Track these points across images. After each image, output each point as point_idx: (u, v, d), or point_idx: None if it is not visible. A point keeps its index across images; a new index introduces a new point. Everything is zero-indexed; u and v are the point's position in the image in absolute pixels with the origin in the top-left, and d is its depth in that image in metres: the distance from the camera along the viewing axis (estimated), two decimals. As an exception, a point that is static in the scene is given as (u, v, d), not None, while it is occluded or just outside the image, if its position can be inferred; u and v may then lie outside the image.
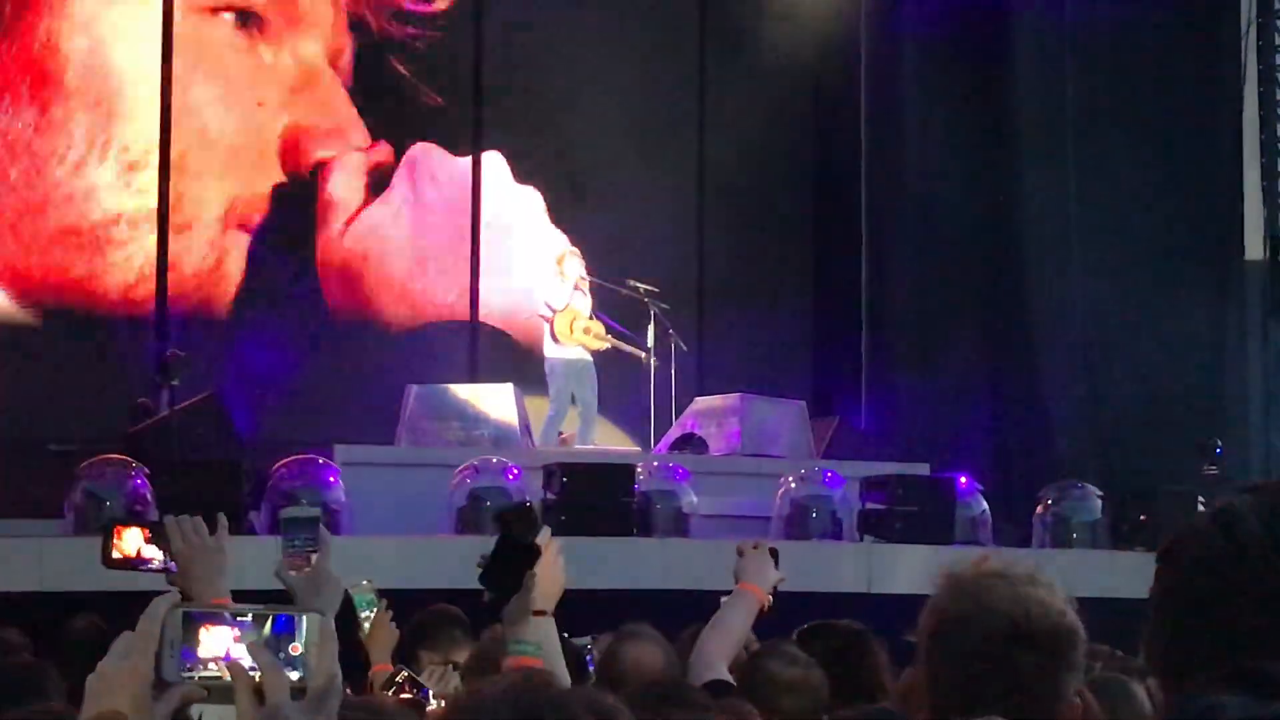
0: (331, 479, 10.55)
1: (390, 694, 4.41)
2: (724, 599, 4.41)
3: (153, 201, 14.29)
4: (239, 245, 14.69)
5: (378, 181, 15.15)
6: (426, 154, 15.34)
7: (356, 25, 15.26)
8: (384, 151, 15.18)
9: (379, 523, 10.34)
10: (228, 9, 14.72)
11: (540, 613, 3.12)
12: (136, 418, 11.94)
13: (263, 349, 14.20)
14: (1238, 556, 1.37)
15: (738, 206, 15.80)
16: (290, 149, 14.90)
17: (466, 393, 12.32)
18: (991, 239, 15.14)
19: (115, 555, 3.16)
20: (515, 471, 10.76)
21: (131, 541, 3.15)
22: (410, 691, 4.40)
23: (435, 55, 15.44)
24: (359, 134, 15.16)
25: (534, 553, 3.17)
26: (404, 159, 15.26)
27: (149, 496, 9.99)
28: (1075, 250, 15.06)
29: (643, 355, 12.86)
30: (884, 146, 15.58)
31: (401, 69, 15.33)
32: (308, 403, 14.13)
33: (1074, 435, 14.72)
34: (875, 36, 15.56)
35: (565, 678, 3.06)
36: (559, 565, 3.15)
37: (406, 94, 15.30)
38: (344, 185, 15.06)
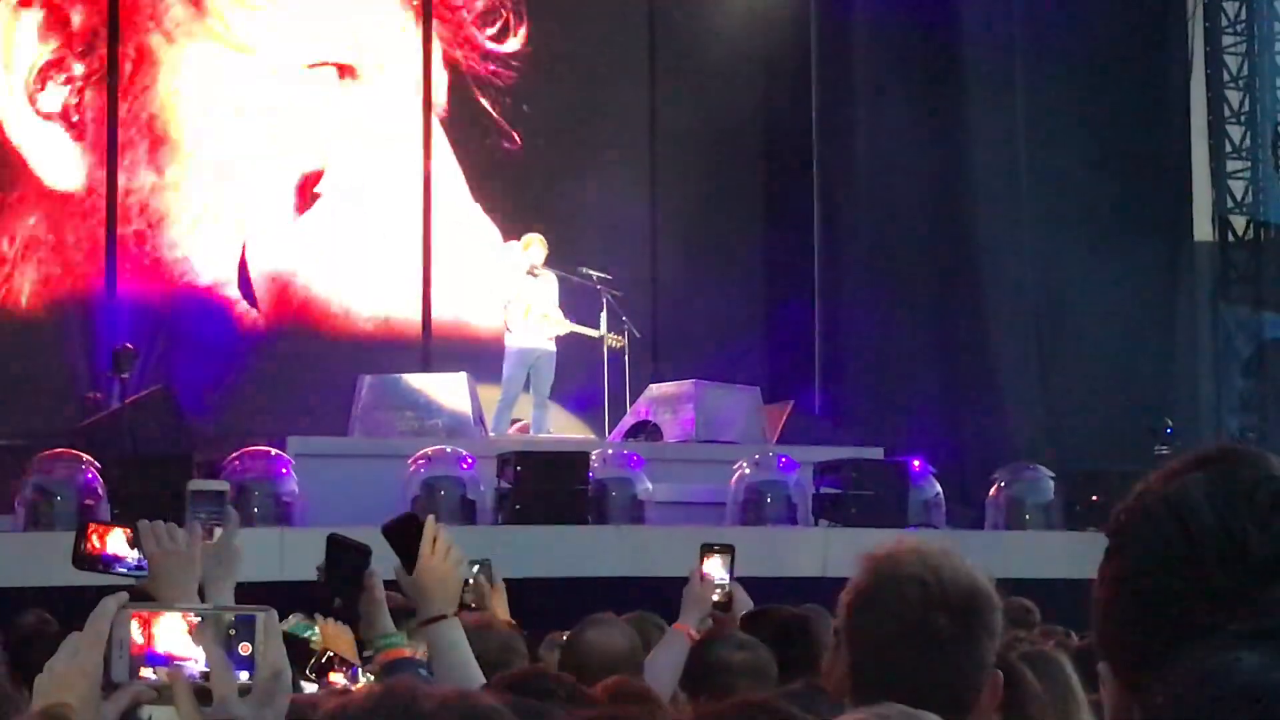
0: (284, 470, 10.51)
1: (317, 676, 4.39)
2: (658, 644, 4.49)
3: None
4: (196, 233, 14.60)
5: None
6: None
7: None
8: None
9: (333, 514, 10.27)
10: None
11: (439, 617, 3.02)
12: (86, 411, 11.87)
13: (213, 340, 14.12)
14: (1192, 551, 1.34)
15: (689, 192, 15.79)
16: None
17: (419, 382, 12.28)
18: (943, 223, 15.20)
19: (87, 554, 3.12)
20: (469, 461, 10.74)
21: (107, 541, 3.12)
22: (340, 670, 4.38)
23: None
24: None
25: (365, 552, 3.14)
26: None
27: (100, 491, 9.92)
28: (1026, 233, 15.14)
29: (599, 335, 12.82)
30: (834, 130, 15.61)
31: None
32: (260, 394, 14.06)
33: (1026, 417, 14.80)
34: (825, 11, 15.58)
35: (477, 678, 2.99)
36: (450, 560, 3.06)
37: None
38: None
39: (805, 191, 15.79)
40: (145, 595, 3.03)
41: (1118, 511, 1.42)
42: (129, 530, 3.14)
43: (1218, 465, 1.39)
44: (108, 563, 3.12)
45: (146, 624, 1.97)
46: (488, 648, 3.70)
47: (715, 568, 4.67)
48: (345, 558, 3.20)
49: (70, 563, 3.13)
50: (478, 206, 15.41)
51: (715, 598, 4.61)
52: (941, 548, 2.33)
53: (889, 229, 15.12)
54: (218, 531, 3.21)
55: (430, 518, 3.11)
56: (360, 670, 4.32)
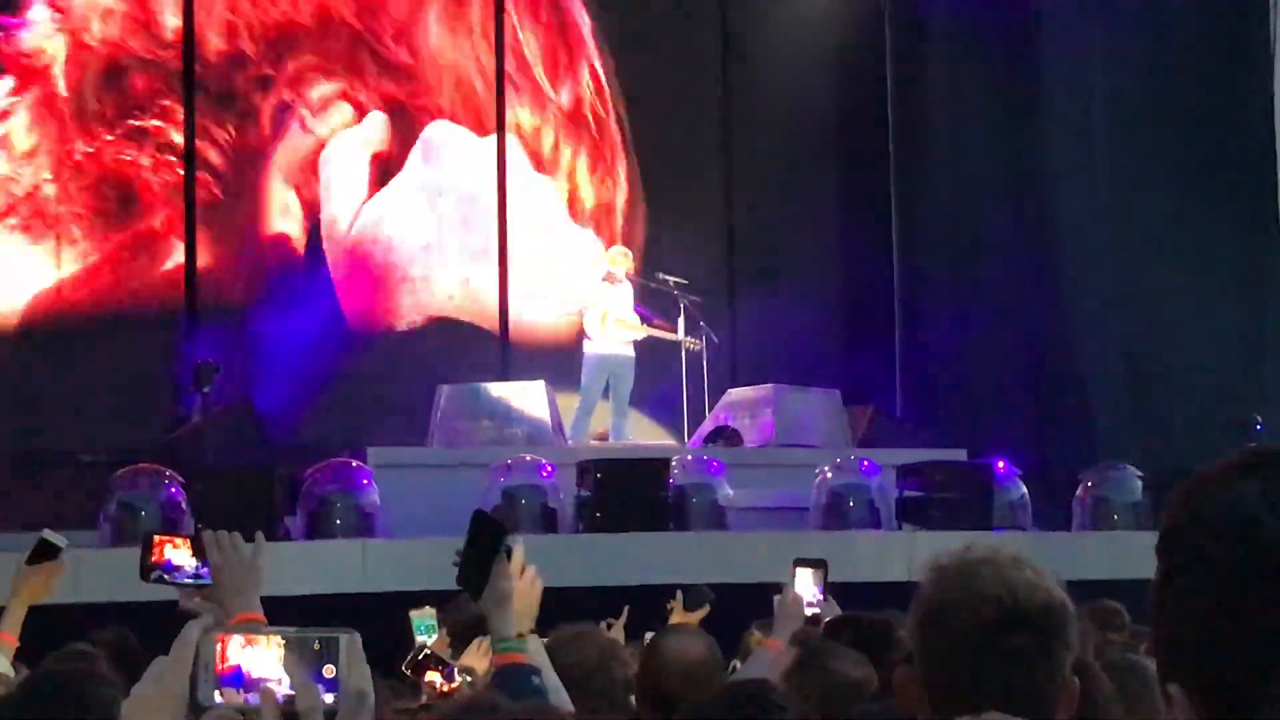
0: (365, 482, 10.57)
1: (413, 672, 4.41)
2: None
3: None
4: (267, 249, 14.72)
5: (384, 167, 15.13)
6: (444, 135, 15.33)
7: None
8: (387, 129, 15.10)
9: (414, 525, 10.34)
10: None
11: (518, 636, 3.06)
12: (169, 427, 11.98)
13: (293, 353, 14.22)
14: (1263, 569, 1.29)
15: (764, 193, 15.75)
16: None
17: (498, 391, 12.31)
18: (1023, 218, 15.06)
19: (150, 565, 3.16)
20: (549, 469, 10.75)
21: (168, 552, 3.16)
22: (436, 668, 4.40)
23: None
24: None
25: (502, 531, 3.15)
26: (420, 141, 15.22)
27: (183, 505, 10.01)
28: (1108, 228, 14.98)
29: (680, 338, 12.81)
30: (910, 126, 15.52)
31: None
32: (339, 406, 14.15)
33: (1112, 415, 14.64)
34: (900, 12, 15.49)
35: (561, 696, 3.01)
36: (525, 579, 3.09)
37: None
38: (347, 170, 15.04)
39: (882, 190, 15.71)
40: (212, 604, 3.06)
41: (1168, 526, 1.36)
42: (192, 541, 3.16)
43: (1268, 470, 1.34)
44: (169, 571, 3.15)
45: (231, 647, 1.98)
46: (585, 656, 3.69)
47: (807, 583, 4.63)
48: (482, 534, 3.17)
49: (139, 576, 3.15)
50: (561, 211, 15.43)
51: (808, 614, 4.57)
52: (1014, 556, 2.26)
53: (967, 226, 15.01)
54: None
55: (519, 544, 3.14)
56: (456, 669, 4.34)
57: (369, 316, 15.02)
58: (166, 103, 14.41)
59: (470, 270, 15.20)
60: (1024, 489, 11.67)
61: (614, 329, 12.72)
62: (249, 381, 13.52)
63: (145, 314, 14.23)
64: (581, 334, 12.95)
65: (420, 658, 4.43)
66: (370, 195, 15.06)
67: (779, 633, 4.52)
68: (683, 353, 12.90)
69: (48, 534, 3.54)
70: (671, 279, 13.02)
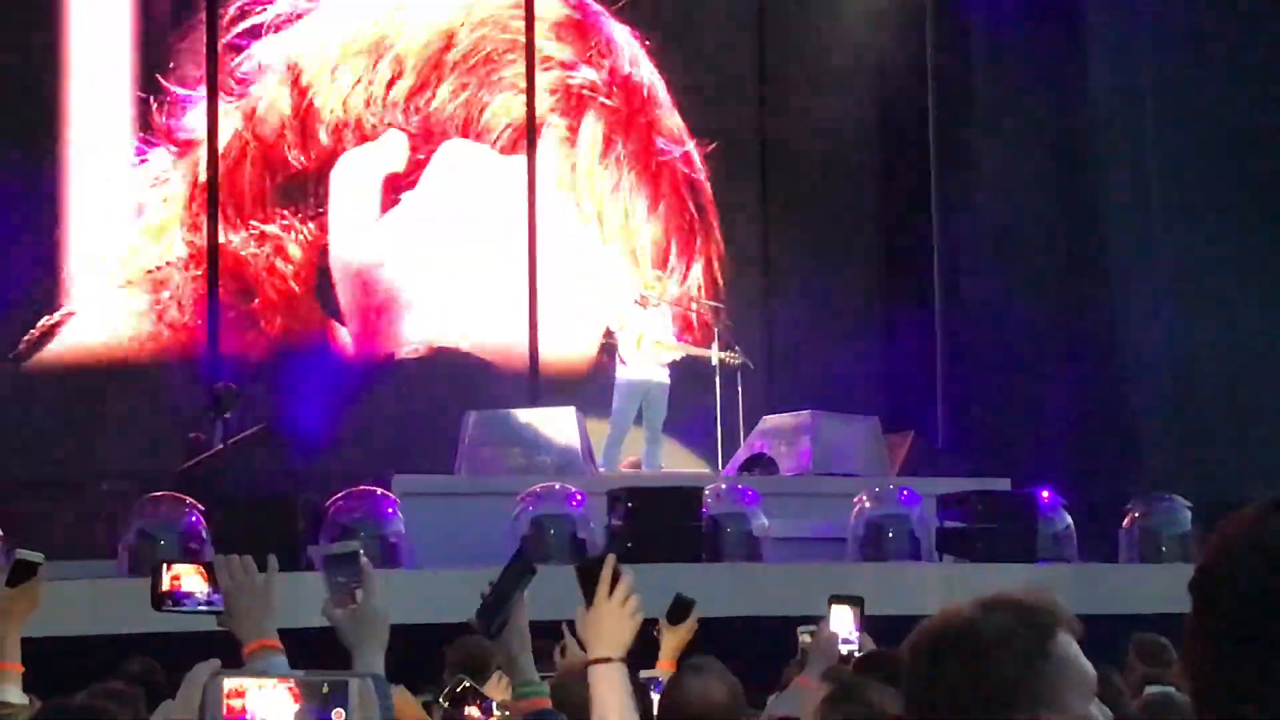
0: (390, 510, 10.58)
1: (451, 705, 4.40)
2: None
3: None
4: (282, 275, 14.79)
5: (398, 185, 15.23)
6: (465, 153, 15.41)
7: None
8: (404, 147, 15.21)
9: (440, 555, 10.35)
10: None
11: (603, 660, 3.04)
12: (189, 453, 12.02)
13: (316, 378, 14.27)
14: None
15: (803, 214, 15.75)
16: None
17: (527, 417, 12.33)
18: (1070, 237, 14.99)
19: (161, 593, 3.17)
20: (579, 497, 10.75)
21: (179, 580, 3.16)
22: (474, 703, 4.39)
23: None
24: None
25: (527, 570, 3.15)
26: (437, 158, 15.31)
27: (204, 534, 10.04)
28: (1159, 245, 14.90)
29: (718, 354, 12.81)
30: (953, 143, 15.49)
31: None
32: (364, 433, 14.19)
33: (1161, 443, 14.56)
34: (942, 24, 15.46)
35: None
36: (627, 606, 3.07)
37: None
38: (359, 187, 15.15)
39: (924, 211, 15.69)
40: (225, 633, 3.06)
41: (1202, 564, 1.38)
42: (204, 567, 3.17)
43: None
44: (179, 600, 3.15)
45: (239, 691, 1.98)
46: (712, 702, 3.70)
47: (844, 620, 4.61)
48: (508, 572, 3.17)
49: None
50: (589, 231, 15.46)
51: (843, 651, 4.55)
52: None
53: (1012, 246, 14.95)
54: (359, 594, 3.17)
55: (611, 557, 3.12)
56: (495, 705, 4.34)
57: (395, 342, 15.06)
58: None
59: (499, 294, 15.23)
60: (1069, 519, 11.61)
61: (650, 351, 12.72)
62: (271, 407, 13.57)
63: (168, 340, 14.32)
64: (611, 359, 12.95)
65: (459, 690, 4.42)
66: (383, 213, 15.15)
67: (811, 670, 4.50)
68: (717, 378, 12.88)
69: (22, 553, 3.55)
70: (706, 303, 13.01)
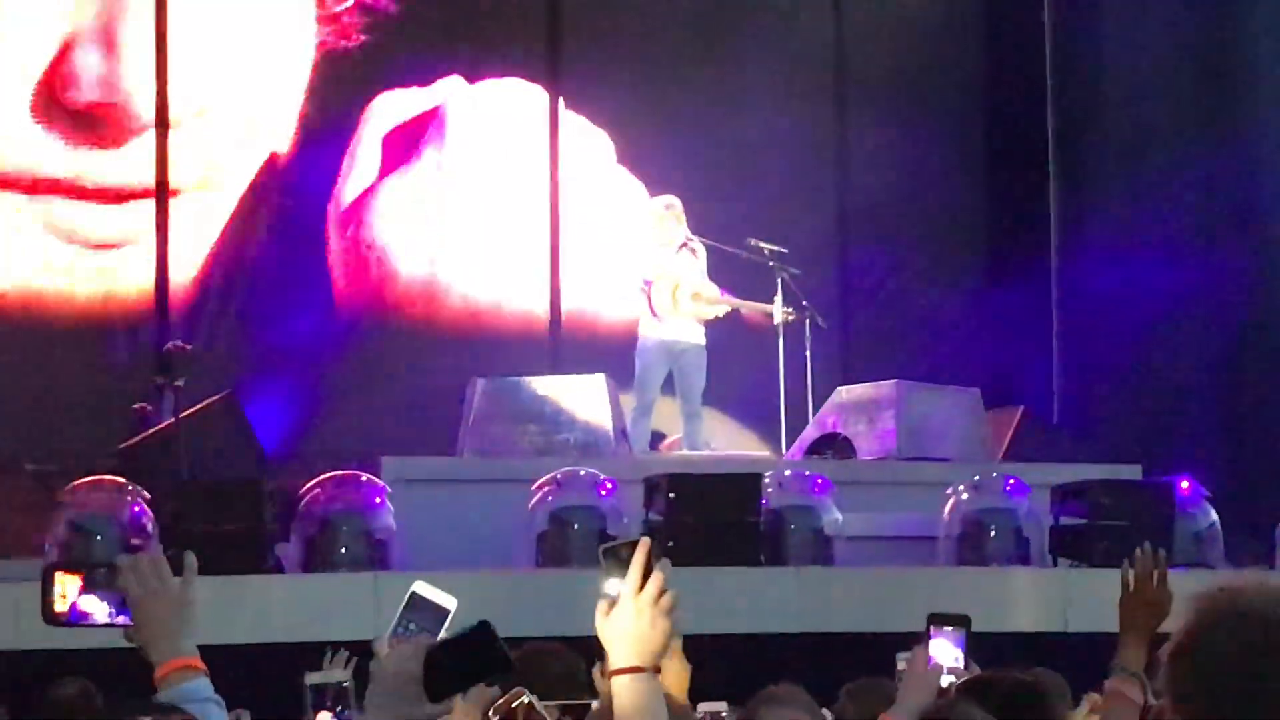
0: (378, 500, 10.63)
1: None
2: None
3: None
4: (253, 219, 14.87)
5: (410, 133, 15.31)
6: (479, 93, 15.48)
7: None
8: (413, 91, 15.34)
9: (439, 554, 10.40)
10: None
11: (636, 669, 3.03)
12: (133, 428, 12.09)
13: (287, 339, 14.34)
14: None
15: (887, 142, 15.73)
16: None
17: (546, 386, 12.34)
18: (1217, 169, 14.93)
19: (57, 608, 3.14)
20: (609, 486, 10.78)
21: (73, 590, 3.12)
22: None
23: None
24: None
25: (503, 666, 3.05)
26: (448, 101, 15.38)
27: (149, 527, 10.10)
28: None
29: (774, 318, 12.80)
30: (1075, 60, 15.46)
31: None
32: (347, 403, 14.25)
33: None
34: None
35: None
36: (662, 604, 3.08)
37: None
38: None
39: (1038, 137, 15.65)
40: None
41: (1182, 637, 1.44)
42: (83, 575, 3.13)
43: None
44: (77, 617, 3.12)
45: None
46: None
47: (945, 646, 4.61)
48: (476, 654, 3.12)
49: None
50: (623, 170, 15.48)
51: (944, 684, 4.54)
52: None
53: (1145, 179, 14.94)
54: None
55: (645, 541, 3.08)
56: None
57: (383, 297, 15.11)
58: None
59: (512, 242, 15.26)
60: (1214, 515, 11.62)
61: (689, 305, 12.70)
62: (232, 375, 13.64)
63: (108, 295, 14.40)
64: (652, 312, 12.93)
65: (514, 706, 4.44)
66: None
67: (901, 706, 4.50)
68: (780, 340, 12.88)
69: None
70: (766, 246, 13.00)
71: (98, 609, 3.12)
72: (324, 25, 15.12)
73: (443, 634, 3.22)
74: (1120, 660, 4.40)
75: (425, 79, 15.29)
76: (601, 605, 3.06)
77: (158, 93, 14.49)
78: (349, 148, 15.14)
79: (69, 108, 14.42)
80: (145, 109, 14.49)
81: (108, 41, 14.53)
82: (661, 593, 3.05)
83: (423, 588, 3.32)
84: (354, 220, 15.13)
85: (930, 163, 15.86)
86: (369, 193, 15.20)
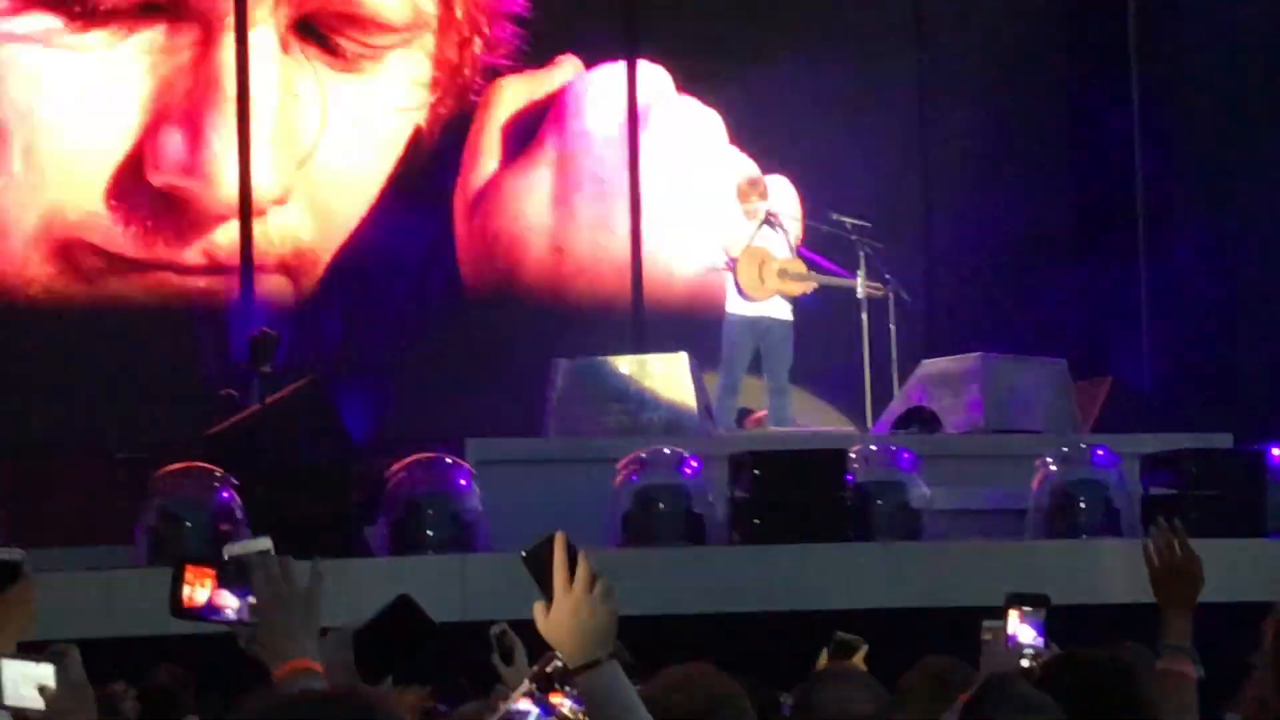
0: (464, 482, 10.68)
1: (540, 686, 4.47)
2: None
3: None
4: (336, 207, 14.96)
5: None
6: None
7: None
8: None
9: (523, 534, 10.37)
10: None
11: (594, 663, 3.02)
12: (221, 414, 12.17)
13: (372, 322, 14.41)
14: None
15: (970, 115, 15.66)
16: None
17: (630, 366, 12.38)
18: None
19: (190, 602, 3.18)
20: (694, 464, 10.80)
21: (205, 584, 3.16)
22: (561, 692, 4.45)
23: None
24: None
25: (429, 632, 3.12)
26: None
27: (238, 513, 10.16)
28: None
29: (858, 292, 12.79)
30: (1164, 27, 15.34)
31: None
32: (432, 386, 14.31)
33: None
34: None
35: None
36: (595, 592, 3.04)
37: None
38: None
39: (1123, 97, 15.55)
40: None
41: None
42: (218, 572, 3.16)
43: None
44: (206, 612, 3.16)
45: None
46: (693, 704, 3.71)
47: (1024, 627, 4.58)
48: (402, 626, 3.15)
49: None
50: (734, 150, 15.50)
51: (1024, 664, 4.51)
52: None
53: (1235, 140, 14.81)
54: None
55: (560, 535, 3.09)
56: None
57: (466, 279, 15.17)
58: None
59: (594, 220, 15.30)
60: (1310, 485, 11.55)
61: (775, 281, 12.71)
62: (318, 360, 13.73)
63: (193, 281, 14.50)
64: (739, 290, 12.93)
65: (549, 670, 4.47)
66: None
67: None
68: (864, 314, 12.87)
69: None
70: (849, 220, 12.99)
71: (229, 605, 3.16)
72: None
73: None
74: (1166, 637, 4.34)
75: (542, 63, 15.39)
76: (538, 608, 3.06)
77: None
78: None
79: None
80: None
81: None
82: (593, 581, 3.05)
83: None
84: (478, 208, 15.21)
85: (1016, 134, 15.79)
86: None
